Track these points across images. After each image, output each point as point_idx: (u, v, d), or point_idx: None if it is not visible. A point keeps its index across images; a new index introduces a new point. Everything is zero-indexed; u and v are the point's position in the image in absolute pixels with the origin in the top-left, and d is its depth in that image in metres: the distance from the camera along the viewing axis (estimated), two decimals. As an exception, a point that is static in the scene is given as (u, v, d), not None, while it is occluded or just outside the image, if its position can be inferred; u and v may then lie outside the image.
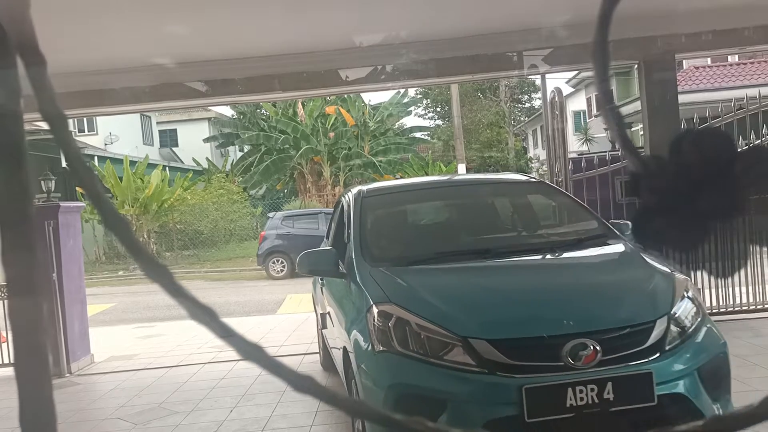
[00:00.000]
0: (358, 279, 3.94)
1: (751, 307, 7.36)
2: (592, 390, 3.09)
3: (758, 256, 6.97)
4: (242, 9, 5.39)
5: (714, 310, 7.32)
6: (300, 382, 0.51)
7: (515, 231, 5.06)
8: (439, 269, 4.03)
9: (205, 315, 0.50)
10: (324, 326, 5.52)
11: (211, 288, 15.71)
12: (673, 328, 3.36)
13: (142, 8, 5.10)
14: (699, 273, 6.80)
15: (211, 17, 5.60)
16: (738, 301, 7.34)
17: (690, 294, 3.59)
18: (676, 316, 3.42)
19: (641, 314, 3.39)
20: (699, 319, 3.52)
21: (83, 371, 7.27)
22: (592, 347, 3.16)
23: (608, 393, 3.10)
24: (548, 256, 4.22)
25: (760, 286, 7.33)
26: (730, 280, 6.93)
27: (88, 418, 5.62)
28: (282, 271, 17.07)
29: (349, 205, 4.86)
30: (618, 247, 4.15)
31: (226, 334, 0.51)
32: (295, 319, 9.53)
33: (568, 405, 3.08)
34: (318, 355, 6.73)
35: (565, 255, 4.18)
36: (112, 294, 15.64)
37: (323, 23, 6.07)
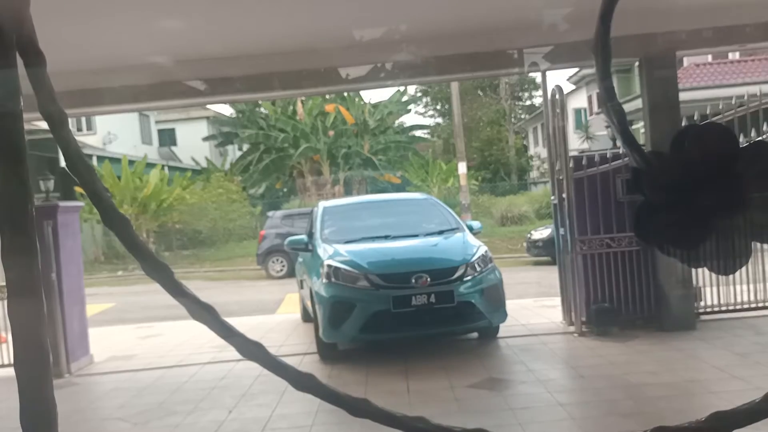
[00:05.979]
0: (317, 250, 7.44)
1: (752, 305, 7.36)
2: (424, 297, 6.49)
3: (759, 254, 6.96)
4: (241, 6, 5.39)
5: (715, 308, 7.32)
6: (301, 381, 0.50)
7: (407, 225, 8.07)
8: (359, 244, 7.31)
9: (206, 314, 0.50)
10: (302, 288, 8.77)
11: (210, 288, 15.69)
12: (470, 270, 6.75)
13: (141, 6, 5.09)
14: (700, 270, 6.80)
15: (209, 15, 5.60)
16: (739, 299, 7.34)
17: (485, 255, 7.01)
18: (473, 264, 6.81)
19: (452, 262, 6.85)
20: (488, 266, 6.93)
21: (83, 371, 7.27)
22: (426, 277, 6.55)
23: (432, 299, 6.49)
24: (419, 238, 7.58)
25: (762, 284, 7.32)
26: (731, 277, 6.92)
27: (87, 418, 5.63)
28: (282, 270, 17.03)
29: (317, 211, 8.40)
30: (459, 234, 7.59)
31: (227, 333, 0.50)
32: (294, 318, 9.53)
33: (412, 304, 6.48)
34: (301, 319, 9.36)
35: (429, 237, 7.61)
36: (112, 294, 15.63)
37: (322, 20, 6.06)
